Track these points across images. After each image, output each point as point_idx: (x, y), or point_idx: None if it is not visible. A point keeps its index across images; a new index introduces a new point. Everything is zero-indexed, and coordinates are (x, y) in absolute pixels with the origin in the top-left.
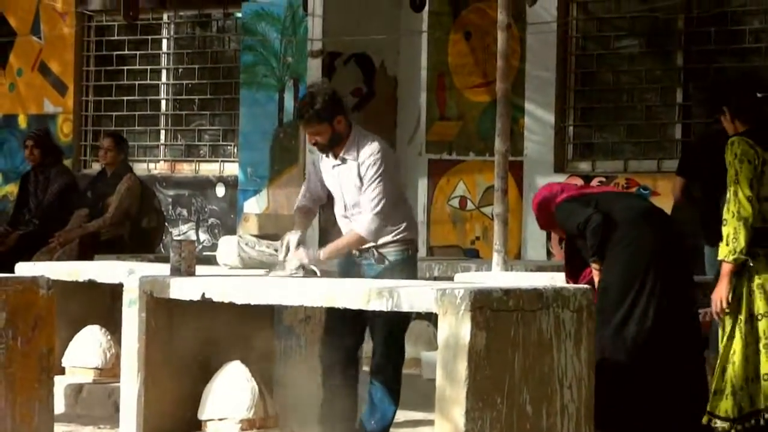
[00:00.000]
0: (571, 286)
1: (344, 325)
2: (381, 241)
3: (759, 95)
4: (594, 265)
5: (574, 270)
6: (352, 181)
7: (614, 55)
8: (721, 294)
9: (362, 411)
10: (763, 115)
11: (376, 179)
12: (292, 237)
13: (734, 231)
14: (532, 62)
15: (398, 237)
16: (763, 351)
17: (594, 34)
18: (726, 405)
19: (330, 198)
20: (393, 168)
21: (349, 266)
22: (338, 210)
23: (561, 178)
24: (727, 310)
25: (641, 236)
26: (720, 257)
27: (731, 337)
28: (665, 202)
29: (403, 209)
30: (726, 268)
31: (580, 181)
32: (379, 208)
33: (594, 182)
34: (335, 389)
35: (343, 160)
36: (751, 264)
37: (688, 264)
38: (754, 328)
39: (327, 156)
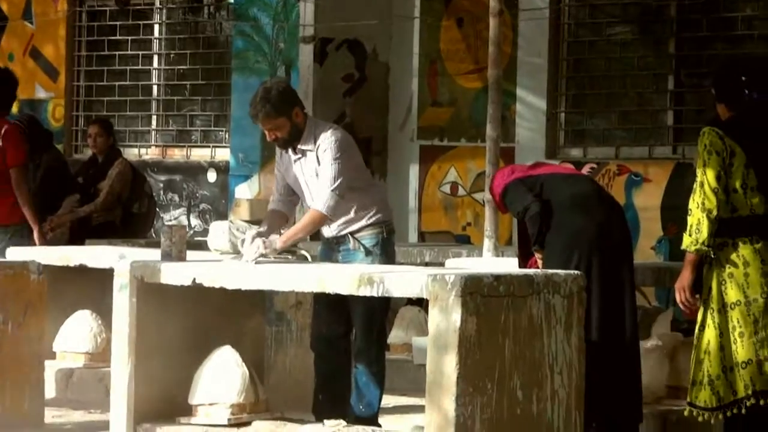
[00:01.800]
0: (562, 272)
1: (331, 313)
2: (356, 226)
3: (743, 79)
4: (536, 254)
5: (525, 255)
6: (314, 170)
7: (606, 42)
8: (683, 283)
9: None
10: (753, 105)
11: (332, 160)
12: (250, 232)
13: (698, 222)
14: (524, 49)
15: (371, 221)
16: (738, 340)
17: (586, 20)
18: (704, 395)
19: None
20: (353, 152)
21: (328, 253)
22: (307, 203)
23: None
24: (691, 300)
25: (578, 222)
26: (683, 247)
27: (704, 327)
28: (657, 189)
29: (373, 192)
30: (688, 258)
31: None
32: (336, 184)
33: (585, 168)
34: (327, 377)
35: (303, 153)
36: (713, 255)
37: (629, 250)
38: (728, 318)
39: (287, 152)
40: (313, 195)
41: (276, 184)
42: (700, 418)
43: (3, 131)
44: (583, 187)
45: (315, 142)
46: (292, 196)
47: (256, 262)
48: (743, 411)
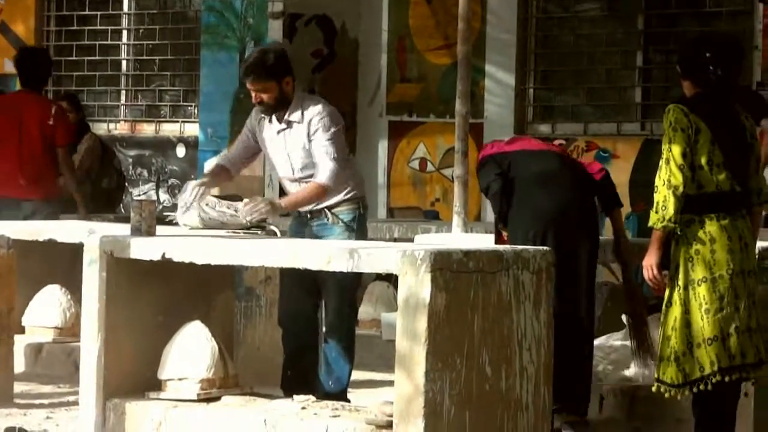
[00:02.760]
0: (531, 248)
1: (300, 289)
2: (333, 201)
3: (708, 55)
4: (503, 231)
5: (499, 231)
6: (300, 143)
7: (575, 18)
8: (650, 261)
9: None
10: (717, 81)
11: (330, 134)
12: (191, 182)
13: (664, 199)
14: (493, 24)
15: (349, 195)
16: (705, 316)
17: None
18: (671, 371)
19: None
20: (341, 127)
21: (300, 228)
22: (284, 174)
23: None
24: (659, 277)
25: (537, 199)
26: (650, 224)
27: (670, 304)
28: (625, 165)
29: (350, 168)
30: (655, 236)
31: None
32: (337, 155)
33: (555, 143)
34: (296, 353)
35: (289, 123)
36: (679, 232)
37: (590, 226)
38: (694, 295)
39: (269, 119)
40: (294, 167)
41: (237, 144)
42: (666, 395)
43: (53, 111)
44: (549, 164)
45: (302, 115)
46: (245, 161)
47: (252, 222)
48: (709, 387)
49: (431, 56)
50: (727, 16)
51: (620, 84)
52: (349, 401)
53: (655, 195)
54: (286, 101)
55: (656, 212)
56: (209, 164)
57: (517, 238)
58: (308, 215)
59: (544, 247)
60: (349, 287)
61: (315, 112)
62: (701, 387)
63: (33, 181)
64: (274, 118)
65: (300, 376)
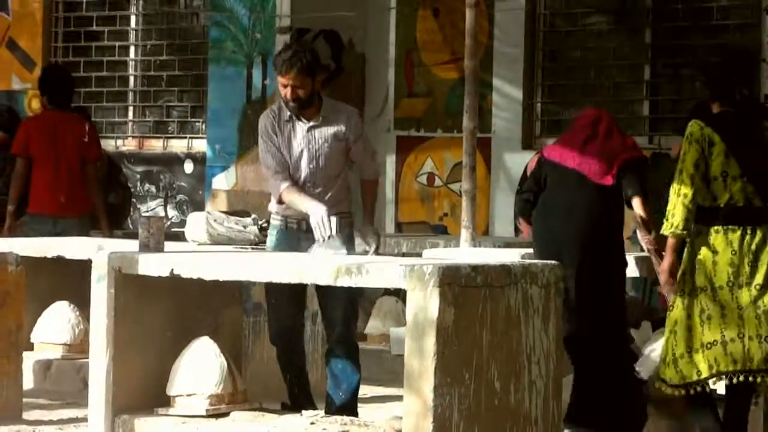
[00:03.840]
0: (539, 262)
1: (293, 304)
2: (344, 208)
3: (734, 78)
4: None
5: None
6: (330, 139)
7: (582, 32)
8: (663, 267)
9: (327, 386)
10: (744, 101)
11: (366, 135)
12: (325, 213)
13: (673, 207)
14: (501, 39)
15: (347, 209)
16: (706, 322)
17: (562, 11)
18: (670, 372)
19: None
20: None
21: (290, 241)
22: (302, 174)
23: (528, 155)
24: (670, 282)
25: (544, 231)
26: (661, 232)
27: (673, 308)
28: None
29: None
30: (668, 243)
31: None
32: (376, 155)
33: None
34: (300, 369)
35: (323, 120)
36: (687, 240)
37: (609, 247)
38: (697, 301)
39: (298, 118)
40: (319, 164)
41: (275, 161)
42: (667, 391)
43: (88, 128)
44: (561, 196)
45: (340, 114)
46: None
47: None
48: (707, 389)
49: (439, 71)
50: (735, 28)
51: (628, 97)
52: (357, 415)
53: (668, 205)
54: (313, 100)
55: (667, 220)
56: (288, 193)
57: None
58: (305, 228)
59: (552, 261)
60: (356, 299)
61: (352, 111)
62: (698, 389)
63: (70, 198)
64: (299, 117)
65: (306, 391)
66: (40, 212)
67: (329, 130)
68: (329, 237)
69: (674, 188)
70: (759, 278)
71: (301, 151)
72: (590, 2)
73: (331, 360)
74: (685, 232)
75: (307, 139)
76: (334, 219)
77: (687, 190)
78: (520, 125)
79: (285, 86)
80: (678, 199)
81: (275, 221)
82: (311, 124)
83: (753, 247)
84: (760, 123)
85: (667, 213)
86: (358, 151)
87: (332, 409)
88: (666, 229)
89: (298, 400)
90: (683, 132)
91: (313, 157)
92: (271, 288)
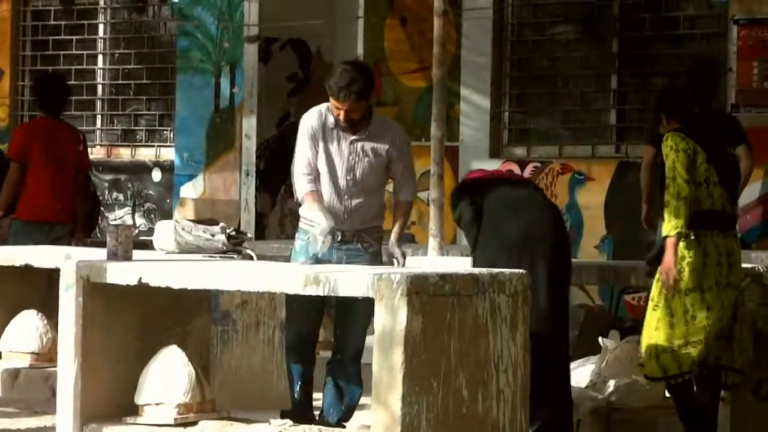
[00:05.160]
0: (507, 271)
1: (314, 314)
2: (368, 225)
3: (688, 96)
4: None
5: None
6: (372, 155)
7: (550, 42)
8: (668, 265)
9: (325, 401)
10: (696, 118)
11: (410, 153)
12: (323, 231)
13: (675, 209)
14: (468, 48)
15: (379, 224)
16: (690, 322)
17: (529, 20)
18: (651, 366)
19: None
20: None
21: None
22: (336, 187)
23: (496, 164)
24: (671, 283)
25: (503, 227)
26: (664, 234)
27: (656, 307)
28: (600, 187)
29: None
30: (669, 243)
31: (515, 167)
32: (415, 176)
33: (528, 168)
34: (309, 378)
35: (368, 136)
36: (692, 237)
37: (559, 252)
38: (681, 302)
39: (347, 132)
40: (358, 177)
41: (306, 163)
42: (647, 386)
43: (82, 136)
44: (517, 191)
45: (386, 131)
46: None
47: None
48: (690, 379)
49: (406, 80)
50: (701, 38)
51: (595, 107)
52: (329, 425)
53: (665, 210)
54: (364, 117)
55: (669, 222)
56: (308, 197)
57: (484, 264)
58: (339, 239)
59: (520, 270)
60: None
61: (399, 129)
62: (679, 380)
63: (66, 205)
64: (344, 129)
65: (310, 401)
66: (35, 219)
67: (372, 146)
68: (314, 255)
69: (671, 193)
70: (738, 280)
71: (342, 161)
72: (557, 12)
73: (337, 372)
74: (686, 230)
75: (348, 151)
76: (329, 238)
77: (685, 193)
78: (488, 134)
79: (339, 109)
80: (679, 201)
81: (304, 225)
82: (356, 137)
83: (735, 251)
84: (723, 134)
85: (667, 216)
86: (399, 171)
87: (329, 422)
88: (671, 230)
89: (301, 408)
90: (652, 128)
91: (351, 168)
92: (292, 296)
